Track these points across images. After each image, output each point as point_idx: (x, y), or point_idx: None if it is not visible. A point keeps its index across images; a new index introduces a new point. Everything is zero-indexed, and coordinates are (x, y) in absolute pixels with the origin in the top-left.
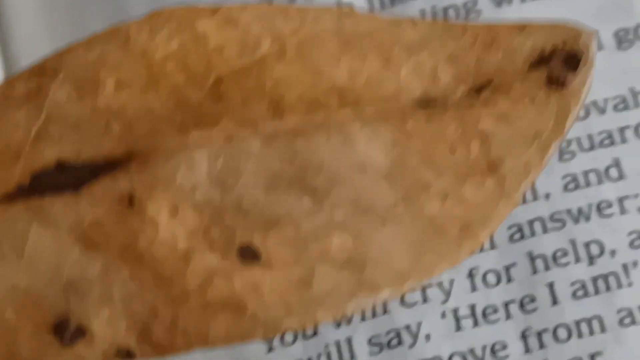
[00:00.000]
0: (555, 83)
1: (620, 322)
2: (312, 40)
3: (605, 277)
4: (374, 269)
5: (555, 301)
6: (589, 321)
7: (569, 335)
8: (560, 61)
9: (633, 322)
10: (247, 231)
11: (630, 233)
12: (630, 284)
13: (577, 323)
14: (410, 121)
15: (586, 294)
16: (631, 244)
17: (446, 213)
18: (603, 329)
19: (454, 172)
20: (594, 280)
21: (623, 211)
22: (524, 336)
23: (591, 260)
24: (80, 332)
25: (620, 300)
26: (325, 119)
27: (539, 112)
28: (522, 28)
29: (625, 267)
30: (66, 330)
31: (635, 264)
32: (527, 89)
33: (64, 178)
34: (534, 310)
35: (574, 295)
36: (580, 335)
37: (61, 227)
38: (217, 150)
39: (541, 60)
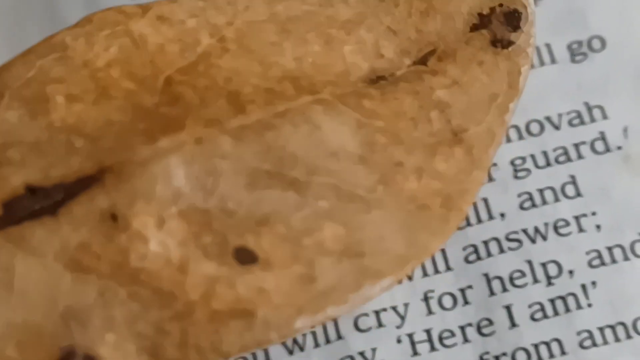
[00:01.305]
0: (500, 44)
1: (581, 344)
2: (249, 29)
3: (563, 298)
4: (373, 255)
5: (513, 324)
6: (548, 344)
7: (528, 359)
8: (500, 21)
9: (594, 344)
10: (238, 233)
11: (588, 252)
12: (589, 305)
13: (536, 346)
14: (365, 100)
15: (545, 316)
16: (589, 264)
17: (425, 189)
18: (563, 352)
19: (422, 147)
20: (553, 301)
21: (580, 229)
22: None
23: (549, 281)
24: None
25: (579, 322)
26: (287, 108)
27: (490, 75)
28: None
29: (584, 287)
30: None
31: (594, 284)
32: (472, 54)
33: (38, 202)
34: (492, 333)
35: (533, 317)
36: (539, 358)
37: (47, 255)
38: (190, 154)
39: (481, 23)
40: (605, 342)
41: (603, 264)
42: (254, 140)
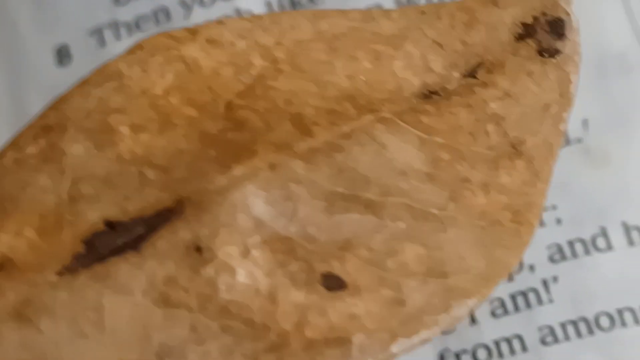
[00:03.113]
0: (547, 53)
1: (542, 340)
2: (299, 49)
3: (524, 294)
4: (456, 275)
5: (473, 320)
6: (509, 340)
7: (489, 356)
8: (545, 30)
9: (555, 341)
10: (322, 259)
11: (549, 247)
12: (551, 301)
13: (497, 343)
14: (423, 116)
15: (505, 312)
16: (550, 258)
17: (494, 204)
18: (524, 349)
19: (484, 161)
20: (513, 297)
21: (541, 223)
22: (441, 358)
23: (509, 276)
24: None
25: (541, 318)
26: (352, 128)
27: (540, 85)
28: (495, 1)
29: (545, 282)
30: None
31: (555, 279)
32: (520, 64)
33: (120, 238)
34: (452, 330)
35: (493, 313)
36: (500, 355)
37: (135, 292)
38: (265, 181)
39: (526, 32)
40: (567, 338)
41: (564, 258)
42: (325, 163)
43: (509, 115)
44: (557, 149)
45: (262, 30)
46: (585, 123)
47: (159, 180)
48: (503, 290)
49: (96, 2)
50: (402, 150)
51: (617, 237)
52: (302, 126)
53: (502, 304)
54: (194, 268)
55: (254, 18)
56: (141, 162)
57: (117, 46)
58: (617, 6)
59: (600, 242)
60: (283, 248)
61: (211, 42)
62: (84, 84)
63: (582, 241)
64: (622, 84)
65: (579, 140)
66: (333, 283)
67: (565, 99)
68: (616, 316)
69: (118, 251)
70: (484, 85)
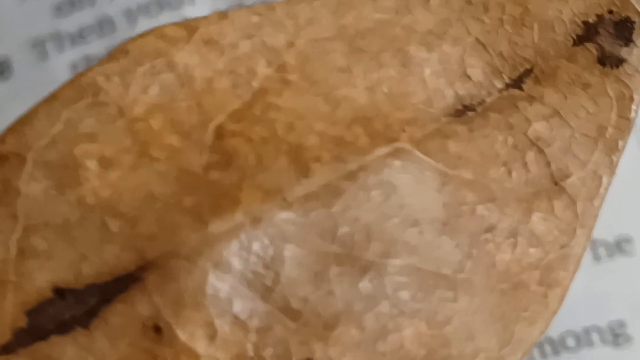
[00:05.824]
0: (609, 62)
1: None
2: (313, 51)
3: None
4: None
5: None
6: None
7: None
8: (609, 32)
9: None
10: (302, 341)
11: None
12: None
13: None
14: (451, 142)
15: None
16: None
17: (520, 261)
18: None
19: (516, 202)
20: None
21: None
22: None
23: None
24: None
25: None
26: (360, 165)
27: (596, 102)
28: None
29: None
30: None
31: None
32: (576, 74)
33: (69, 310)
34: None
35: None
36: None
37: None
38: (246, 241)
39: (586, 34)
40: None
41: None
42: (320, 214)
43: (554, 141)
44: (607, 185)
45: (273, 26)
46: None
47: (122, 235)
48: None
49: (37, 13)
50: (418, 193)
51: None
52: (300, 163)
53: None
54: (151, 352)
55: (265, 9)
56: (105, 209)
57: (60, 58)
58: None
59: None
60: (258, 326)
61: (210, 43)
62: (51, 99)
63: None
64: None
65: None
66: None
67: (624, 120)
68: (582, 335)
69: (65, 327)
70: (530, 99)
